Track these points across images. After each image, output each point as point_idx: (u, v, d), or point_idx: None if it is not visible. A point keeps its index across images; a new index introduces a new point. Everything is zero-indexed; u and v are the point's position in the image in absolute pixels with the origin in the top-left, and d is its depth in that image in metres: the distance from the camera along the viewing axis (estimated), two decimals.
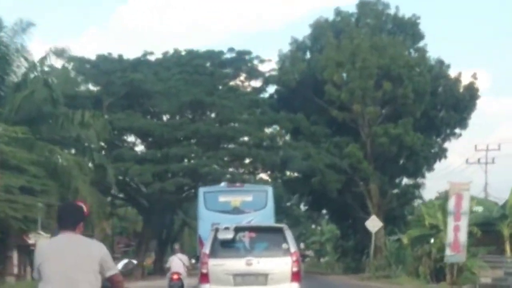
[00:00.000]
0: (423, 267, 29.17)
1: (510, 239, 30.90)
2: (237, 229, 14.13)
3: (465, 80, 45.04)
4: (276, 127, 44.93)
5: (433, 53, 46.23)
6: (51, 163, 27.94)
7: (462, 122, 45.63)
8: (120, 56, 44.19)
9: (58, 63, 31.62)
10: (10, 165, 25.33)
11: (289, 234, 14.11)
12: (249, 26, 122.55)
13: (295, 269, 13.68)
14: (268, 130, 44.75)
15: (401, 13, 45.77)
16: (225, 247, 13.95)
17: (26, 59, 29.53)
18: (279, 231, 14.29)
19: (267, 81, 46.46)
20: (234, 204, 23.91)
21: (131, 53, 44.46)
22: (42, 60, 29.40)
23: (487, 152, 48.84)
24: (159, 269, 43.41)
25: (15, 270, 36.27)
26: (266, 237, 14.34)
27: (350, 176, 42.63)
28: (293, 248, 13.84)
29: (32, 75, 29.86)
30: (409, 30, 45.35)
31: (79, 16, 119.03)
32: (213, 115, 44.38)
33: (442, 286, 27.23)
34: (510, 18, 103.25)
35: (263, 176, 45.17)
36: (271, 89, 47.14)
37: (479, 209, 32.52)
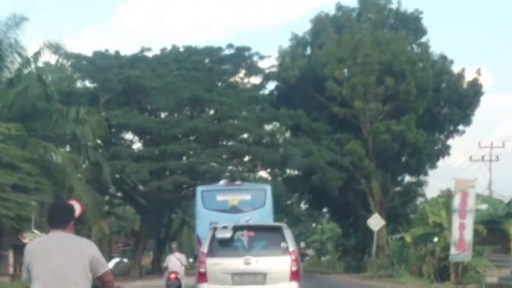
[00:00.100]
0: (426, 266, 28.82)
1: None
2: (236, 228, 14.13)
3: (468, 76, 44.69)
4: (276, 124, 44.49)
5: (435, 49, 45.77)
6: (45, 161, 27.31)
7: (466, 119, 45.18)
8: (117, 53, 43.70)
9: (53, 59, 30.94)
10: (2, 162, 24.75)
11: (288, 233, 14.05)
12: (249, 25, 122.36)
13: (294, 268, 13.65)
14: (268, 127, 44.31)
15: (403, 8, 45.49)
16: (223, 246, 13.94)
17: (19, 54, 28.89)
18: (278, 230, 14.23)
19: (267, 77, 46.01)
20: (232, 203, 23.96)
21: (130, 51, 43.90)
22: (36, 55, 28.72)
23: (491, 150, 48.37)
24: (157, 268, 42.97)
25: (10, 270, 35.82)
26: (264, 236, 14.29)
27: (351, 174, 42.15)
28: (292, 247, 13.79)
29: (26, 71, 29.23)
30: (411, 25, 44.88)
31: (80, 15, 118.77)
32: (211, 112, 43.89)
33: (446, 286, 26.84)
34: None
35: (263, 174, 44.78)
36: (271, 85, 46.88)
37: (484, 206, 32.01)
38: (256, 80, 46.45)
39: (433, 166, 45.65)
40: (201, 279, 13.83)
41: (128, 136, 44.56)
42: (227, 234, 13.87)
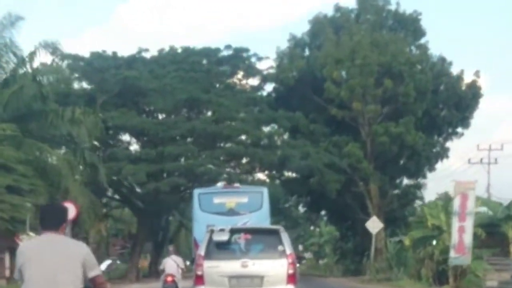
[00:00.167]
0: (425, 270, 28.55)
1: None
2: (233, 231, 14.20)
3: (467, 78, 44.38)
4: (274, 125, 44.14)
5: (434, 51, 45.48)
6: (40, 162, 27.12)
7: (464, 121, 44.85)
8: (114, 53, 43.42)
9: (50, 60, 30.68)
10: None
11: (285, 236, 14.09)
12: (248, 27, 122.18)
13: (291, 271, 13.72)
14: (265, 129, 43.97)
15: (402, 9, 45.14)
16: (220, 249, 14.00)
17: (15, 54, 28.67)
18: (275, 233, 14.25)
19: (265, 79, 45.70)
20: (229, 205, 23.96)
21: (129, 52, 43.67)
22: (31, 55, 28.43)
23: (490, 152, 48.17)
24: (155, 271, 42.61)
25: (7, 273, 35.48)
26: (261, 239, 14.31)
27: (349, 176, 41.82)
28: (289, 250, 13.84)
29: (21, 71, 28.97)
30: (410, 26, 44.57)
31: (79, 15, 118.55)
32: (209, 113, 43.57)
33: None
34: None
35: (261, 176, 44.47)
36: (269, 87, 46.49)
37: (483, 209, 31.77)
38: (254, 81, 46.20)
39: (431, 168, 45.36)
40: (198, 282, 13.90)
41: (125, 137, 44.25)
42: (224, 237, 13.93)
